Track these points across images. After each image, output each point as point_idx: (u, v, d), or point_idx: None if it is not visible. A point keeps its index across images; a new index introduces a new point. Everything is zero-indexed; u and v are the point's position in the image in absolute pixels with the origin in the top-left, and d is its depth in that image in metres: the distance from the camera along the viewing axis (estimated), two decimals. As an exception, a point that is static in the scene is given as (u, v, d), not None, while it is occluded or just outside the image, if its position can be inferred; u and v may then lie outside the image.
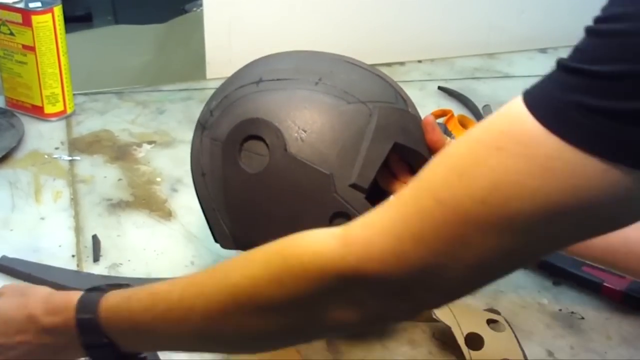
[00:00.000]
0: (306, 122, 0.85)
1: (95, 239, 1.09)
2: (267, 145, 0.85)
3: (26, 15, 1.32)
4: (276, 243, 0.63)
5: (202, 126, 0.91)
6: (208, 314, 0.64)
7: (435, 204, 0.56)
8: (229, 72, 0.96)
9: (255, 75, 0.90)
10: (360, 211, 0.84)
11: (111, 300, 0.70)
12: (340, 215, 0.85)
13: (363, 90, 0.88)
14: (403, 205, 0.58)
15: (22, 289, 0.79)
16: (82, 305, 0.71)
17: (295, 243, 0.62)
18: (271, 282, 0.61)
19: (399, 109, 0.89)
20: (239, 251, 0.89)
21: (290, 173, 0.84)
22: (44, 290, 0.76)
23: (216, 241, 0.92)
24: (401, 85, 0.93)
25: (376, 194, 0.89)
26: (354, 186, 0.85)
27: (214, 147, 0.89)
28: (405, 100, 0.91)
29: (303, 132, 0.85)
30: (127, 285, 0.73)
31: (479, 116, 1.41)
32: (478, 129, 0.57)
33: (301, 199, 0.85)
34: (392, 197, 0.61)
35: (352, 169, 0.85)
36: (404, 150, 0.89)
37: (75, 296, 0.72)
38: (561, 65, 0.54)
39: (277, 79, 0.88)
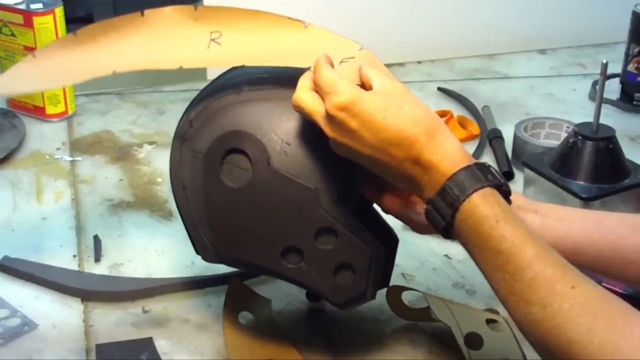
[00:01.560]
0: (290, 135, 0.82)
1: (96, 239, 1.09)
2: (249, 159, 0.82)
3: (27, 16, 1.33)
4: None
5: (181, 137, 0.88)
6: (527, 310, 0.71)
7: None
8: (229, 72, 0.95)
9: (236, 84, 0.87)
10: (346, 226, 0.83)
11: (470, 212, 0.72)
12: (325, 232, 0.83)
13: None
14: None
15: (434, 122, 0.76)
16: (449, 193, 0.73)
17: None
18: None
19: None
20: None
21: (274, 188, 0.82)
22: (444, 132, 0.76)
23: (198, 253, 0.89)
24: (401, 86, 0.93)
25: (363, 208, 0.88)
26: (339, 200, 0.83)
27: (195, 160, 0.85)
28: None
29: (287, 145, 0.82)
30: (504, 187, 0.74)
31: (478, 117, 1.42)
32: None
33: (285, 215, 0.82)
34: None
35: (338, 182, 0.82)
36: None
37: (461, 163, 0.73)
38: None
39: (259, 89, 0.85)
